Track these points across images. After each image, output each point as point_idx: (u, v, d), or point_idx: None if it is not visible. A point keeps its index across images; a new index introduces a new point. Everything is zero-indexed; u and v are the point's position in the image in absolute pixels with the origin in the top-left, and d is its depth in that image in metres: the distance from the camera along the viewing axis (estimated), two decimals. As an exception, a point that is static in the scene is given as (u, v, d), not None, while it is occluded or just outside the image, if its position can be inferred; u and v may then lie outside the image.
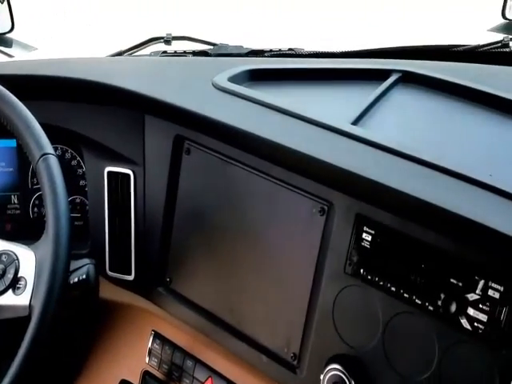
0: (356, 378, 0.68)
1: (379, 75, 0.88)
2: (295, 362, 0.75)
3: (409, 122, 0.79)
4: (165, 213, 0.87)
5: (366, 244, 0.67)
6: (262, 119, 0.77)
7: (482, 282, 0.59)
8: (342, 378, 0.68)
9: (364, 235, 0.67)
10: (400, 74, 0.87)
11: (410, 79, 0.87)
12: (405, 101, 0.84)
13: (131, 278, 0.91)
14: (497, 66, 0.96)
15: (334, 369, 0.69)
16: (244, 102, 0.80)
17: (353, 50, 1.09)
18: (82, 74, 0.91)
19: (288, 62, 1.00)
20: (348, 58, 1.01)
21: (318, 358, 0.72)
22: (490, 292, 0.58)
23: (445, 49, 1.08)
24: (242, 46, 1.17)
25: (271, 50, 1.15)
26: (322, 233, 0.71)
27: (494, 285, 0.58)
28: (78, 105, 0.92)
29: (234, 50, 1.16)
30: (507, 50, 1.05)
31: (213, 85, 0.85)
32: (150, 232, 0.89)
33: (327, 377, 0.69)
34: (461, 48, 1.08)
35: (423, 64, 0.94)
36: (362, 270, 0.68)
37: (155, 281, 0.89)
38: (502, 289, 0.58)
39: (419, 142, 0.72)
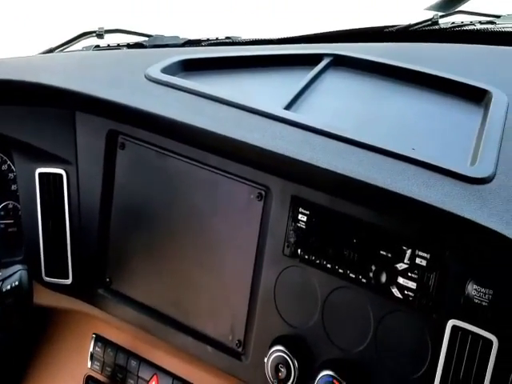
0: (299, 356, 0.72)
1: (312, 60, 0.94)
2: (240, 349, 0.79)
3: (339, 104, 0.85)
4: (101, 211, 0.89)
5: (301, 225, 0.73)
6: (195, 109, 0.80)
7: (409, 252, 0.65)
8: (285, 358, 0.72)
9: (300, 216, 0.72)
10: (331, 58, 0.94)
11: (341, 62, 0.94)
12: (336, 84, 0.90)
13: (69, 281, 0.92)
14: (426, 44, 1.03)
15: (277, 350, 0.73)
16: (177, 92, 0.83)
17: (289, 36, 1.14)
18: (6, 74, 0.92)
19: (223, 51, 1.04)
20: (284, 44, 1.07)
21: (262, 342, 0.76)
22: (418, 260, 0.65)
23: (378, 30, 1.16)
24: (178, 37, 1.19)
25: (208, 40, 1.18)
26: (260, 217, 0.76)
27: (420, 253, 0.64)
28: (4, 106, 0.92)
29: (170, 41, 1.18)
30: (436, 27, 1.14)
31: (145, 77, 0.88)
32: (87, 232, 0.90)
33: (271, 359, 0.74)
34: (394, 28, 1.15)
35: (355, 47, 1.01)
36: (299, 251, 0.73)
37: (95, 282, 0.90)
38: (428, 256, 0.64)
39: (348, 123, 0.78)
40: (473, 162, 0.68)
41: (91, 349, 0.91)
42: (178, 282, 0.84)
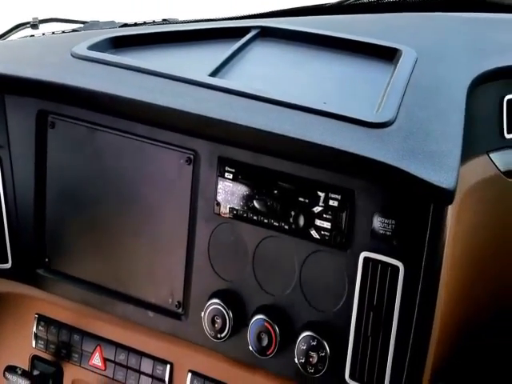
0: (233, 307, 0.82)
1: (240, 32, 1.04)
2: (180, 310, 0.88)
3: (262, 70, 0.95)
4: (36, 193, 0.96)
5: (228, 182, 0.82)
6: (120, 80, 0.89)
7: (322, 195, 0.76)
8: (220, 310, 0.82)
9: (226, 175, 0.82)
10: (258, 30, 1.04)
11: (267, 34, 1.05)
12: (261, 53, 1.00)
13: (8, 265, 0.98)
14: (350, 15, 1.16)
15: (213, 303, 0.83)
16: (103, 66, 0.92)
17: (224, 16, 1.24)
18: None
19: (154, 29, 1.12)
20: (216, 21, 1.16)
21: (200, 300, 0.85)
22: (330, 202, 0.76)
23: (308, 8, 1.27)
24: (114, 21, 1.25)
25: (145, 23, 1.25)
26: (191, 181, 0.85)
27: (332, 195, 0.76)
28: None
29: (106, 26, 1.23)
30: (365, 1, 1.25)
31: (71, 55, 0.96)
32: (23, 215, 0.97)
33: (207, 313, 0.83)
34: (326, 4, 1.27)
35: (282, 20, 1.12)
36: (228, 207, 0.82)
37: (34, 264, 0.97)
38: (339, 197, 0.75)
39: (268, 86, 0.88)
40: (377, 110, 0.80)
41: (34, 329, 0.98)
42: (115, 254, 0.92)
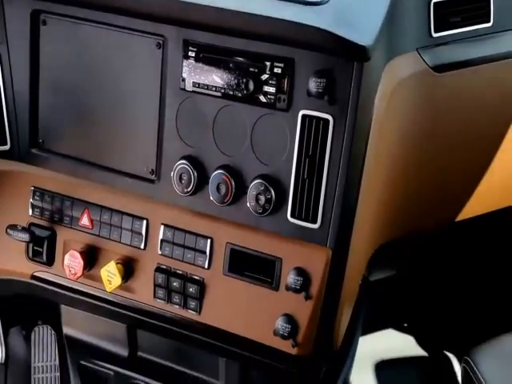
0: (197, 167, 0.98)
1: None
2: (153, 176, 1.04)
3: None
4: (31, 83, 1.10)
5: (192, 61, 0.96)
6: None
7: (269, 64, 0.91)
8: (186, 169, 0.98)
9: (190, 54, 0.97)
10: None
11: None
12: None
13: (7, 147, 1.13)
14: None
15: (180, 164, 0.99)
16: None
17: None
18: None
19: None
20: None
21: (169, 166, 1.01)
22: (275, 70, 0.90)
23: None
24: None
25: None
26: (161, 62, 0.99)
27: (276, 64, 0.90)
28: None
29: None
30: None
31: None
32: (20, 103, 1.12)
33: (175, 172, 0.99)
34: None
35: None
36: (192, 82, 0.96)
37: (29, 145, 1.12)
38: (282, 65, 0.90)
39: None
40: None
41: (31, 199, 1.13)
42: (98, 132, 1.07)
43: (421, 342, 1.94)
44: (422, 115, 1.09)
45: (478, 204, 1.35)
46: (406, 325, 2.01)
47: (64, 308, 1.36)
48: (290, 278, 0.95)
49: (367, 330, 1.90)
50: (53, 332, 1.71)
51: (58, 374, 1.69)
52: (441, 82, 1.08)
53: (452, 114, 1.15)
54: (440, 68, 1.06)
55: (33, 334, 1.71)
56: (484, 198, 1.35)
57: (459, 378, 1.75)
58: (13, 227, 1.06)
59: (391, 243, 1.29)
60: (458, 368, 1.85)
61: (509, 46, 1.18)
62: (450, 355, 1.90)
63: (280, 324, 0.96)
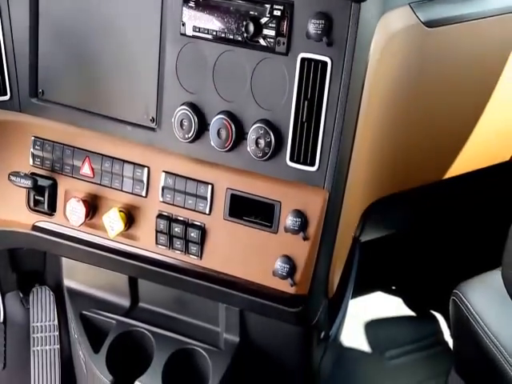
0: (198, 113, 1.00)
1: None
2: (154, 124, 1.05)
3: None
4: (30, 33, 1.11)
5: (192, 4, 0.97)
6: None
7: (268, 7, 0.92)
8: (187, 114, 1.00)
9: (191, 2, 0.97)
10: None
11: None
12: None
13: (7, 97, 1.14)
14: None
15: (181, 110, 1.00)
16: None
17: None
18: None
19: None
20: None
21: (170, 113, 1.02)
22: (275, 12, 0.92)
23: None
24: None
25: None
26: (161, 7, 1.00)
27: (276, 6, 0.92)
28: None
29: None
30: None
31: None
32: (20, 53, 1.12)
33: (176, 118, 1.01)
34: None
35: None
36: (192, 26, 0.97)
37: (29, 94, 1.13)
38: (282, 8, 0.91)
39: None
40: None
41: (31, 149, 1.14)
42: (98, 81, 1.08)
43: (409, 304, 2.00)
44: (414, 69, 1.11)
45: (467, 161, 1.38)
46: (394, 287, 2.07)
47: (65, 261, 1.39)
48: (289, 220, 0.98)
49: (358, 293, 1.95)
50: (51, 293, 1.73)
51: (56, 333, 1.72)
52: (432, 37, 1.10)
53: (442, 68, 1.17)
54: (431, 23, 1.09)
55: (31, 295, 1.74)
56: (474, 154, 1.39)
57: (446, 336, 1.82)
58: (15, 174, 1.08)
59: (382, 201, 1.32)
60: (445, 327, 1.92)
61: (499, 3, 1.21)
62: (438, 315, 1.96)
63: (279, 264, 1.00)
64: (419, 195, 1.48)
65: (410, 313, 2.00)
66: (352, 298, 1.86)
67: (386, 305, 2.03)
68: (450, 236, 1.91)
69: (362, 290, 1.96)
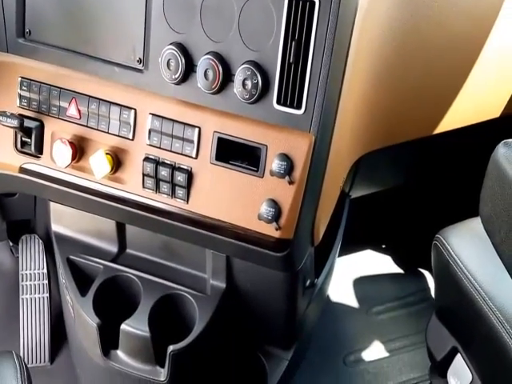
0: (185, 53, 0.99)
1: None
2: (141, 65, 1.05)
3: None
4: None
5: None
6: None
7: None
8: (174, 54, 0.99)
9: None
10: None
11: None
12: None
13: None
14: None
15: (168, 49, 0.99)
16: None
17: None
18: None
19: None
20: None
21: (157, 54, 1.01)
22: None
23: None
24: None
25: None
26: None
27: None
28: None
29: None
30: None
31: None
32: None
33: (163, 58, 1.00)
34: None
35: None
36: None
37: (16, 34, 1.11)
38: None
39: None
40: None
41: (18, 89, 1.13)
42: (85, 21, 1.07)
43: (397, 262, 2.03)
44: (405, 19, 1.10)
45: (457, 116, 1.39)
46: (383, 245, 2.10)
47: (53, 207, 1.40)
48: (275, 163, 0.99)
49: (347, 250, 1.98)
50: (40, 241, 1.75)
51: (45, 281, 1.75)
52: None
53: (434, 17, 1.16)
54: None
55: (20, 243, 1.76)
56: (464, 109, 1.39)
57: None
58: (2, 113, 1.07)
59: (372, 155, 1.33)
60: (432, 285, 1.96)
61: None
62: (425, 273, 2.00)
63: (264, 208, 1.01)
64: (409, 150, 1.50)
65: (398, 270, 2.04)
66: (341, 255, 1.90)
67: (375, 262, 2.06)
68: (440, 193, 1.93)
69: (350, 247, 1.99)
